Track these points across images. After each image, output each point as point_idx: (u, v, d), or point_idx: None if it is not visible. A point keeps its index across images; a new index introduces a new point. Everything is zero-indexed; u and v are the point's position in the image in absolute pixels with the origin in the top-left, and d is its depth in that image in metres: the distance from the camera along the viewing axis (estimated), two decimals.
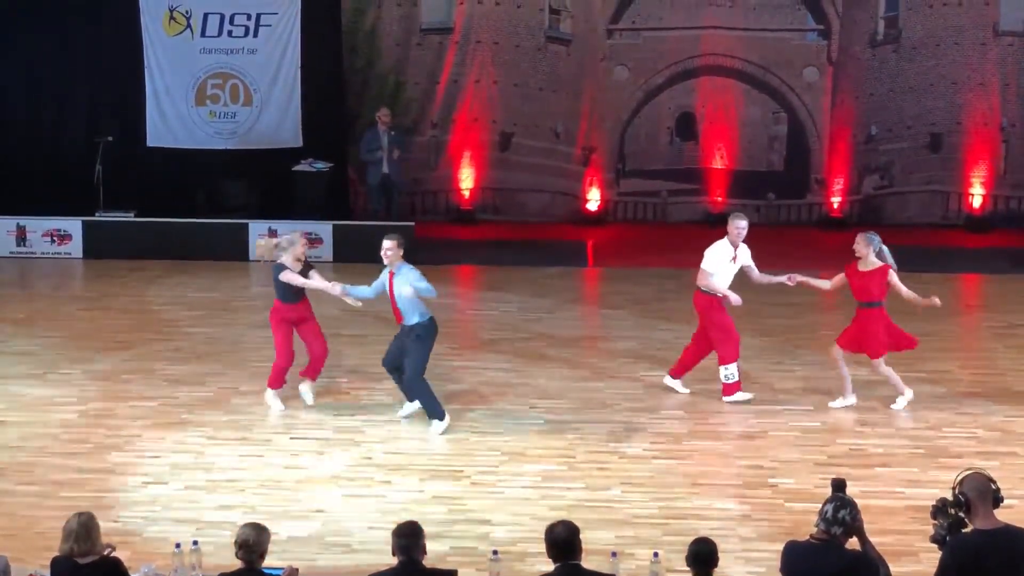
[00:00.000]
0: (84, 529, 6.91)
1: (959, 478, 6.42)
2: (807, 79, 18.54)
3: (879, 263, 11.35)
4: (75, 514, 7.02)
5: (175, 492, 9.94)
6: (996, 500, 6.38)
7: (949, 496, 6.41)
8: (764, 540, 9.06)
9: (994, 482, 6.40)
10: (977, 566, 6.28)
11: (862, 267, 11.41)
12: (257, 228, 16.83)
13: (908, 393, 11.67)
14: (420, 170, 18.62)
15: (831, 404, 11.71)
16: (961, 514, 6.37)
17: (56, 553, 6.99)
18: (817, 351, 13.12)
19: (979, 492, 6.34)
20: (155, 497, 9.83)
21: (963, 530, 6.42)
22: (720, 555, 6.79)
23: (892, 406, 11.62)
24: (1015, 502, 8.89)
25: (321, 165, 17.63)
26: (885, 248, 11.47)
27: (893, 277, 11.32)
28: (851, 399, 11.71)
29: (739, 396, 11.82)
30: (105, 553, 6.99)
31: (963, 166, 18.49)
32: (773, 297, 14.20)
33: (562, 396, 12.06)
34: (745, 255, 11.74)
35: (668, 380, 12.12)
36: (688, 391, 12.01)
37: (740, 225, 11.57)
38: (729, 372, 11.73)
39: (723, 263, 11.62)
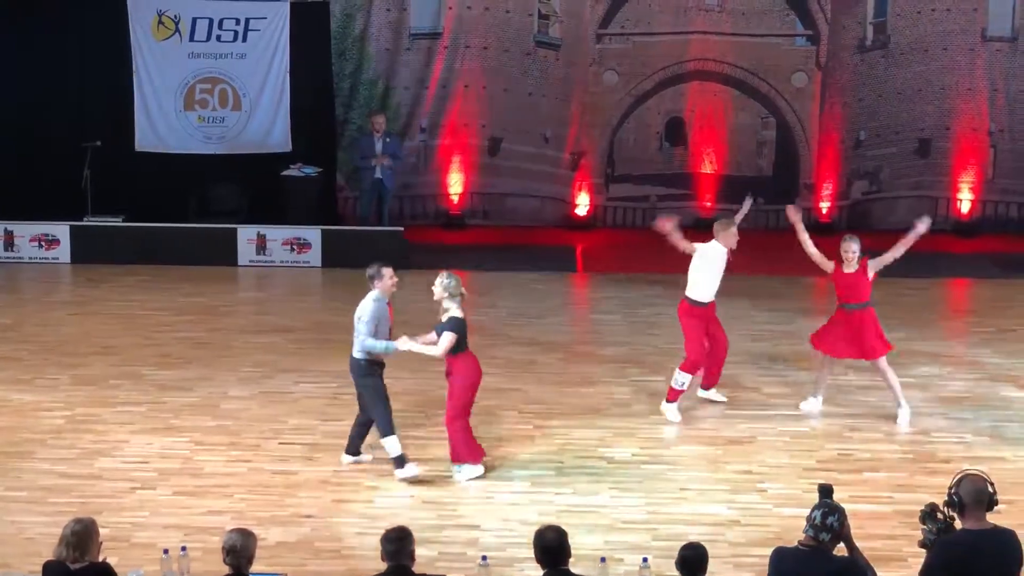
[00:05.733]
0: (83, 533, 6.84)
1: (956, 478, 6.43)
2: (796, 84, 18.56)
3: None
4: (74, 519, 6.96)
5: (163, 497, 9.91)
6: (991, 503, 6.40)
7: (943, 497, 6.43)
8: (753, 545, 9.06)
9: (991, 484, 6.42)
10: (964, 566, 6.29)
11: (848, 268, 11.37)
12: (246, 233, 16.80)
13: (906, 407, 11.52)
14: (409, 175, 18.60)
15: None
16: (952, 514, 6.38)
17: (47, 558, 6.96)
18: (806, 357, 13.13)
19: (974, 494, 6.36)
20: (143, 503, 9.81)
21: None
22: (709, 560, 6.80)
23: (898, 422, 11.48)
24: (1003, 507, 8.89)
25: (310, 170, 17.61)
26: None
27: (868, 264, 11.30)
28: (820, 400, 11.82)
29: (671, 410, 11.47)
30: (101, 559, 6.94)
31: (951, 171, 18.51)
32: (763, 303, 14.23)
33: (551, 401, 12.05)
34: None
35: (702, 393, 11.91)
36: (725, 399, 11.95)
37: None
38: (683, 380, 11.44)
39: (716, 264, 11.48)
